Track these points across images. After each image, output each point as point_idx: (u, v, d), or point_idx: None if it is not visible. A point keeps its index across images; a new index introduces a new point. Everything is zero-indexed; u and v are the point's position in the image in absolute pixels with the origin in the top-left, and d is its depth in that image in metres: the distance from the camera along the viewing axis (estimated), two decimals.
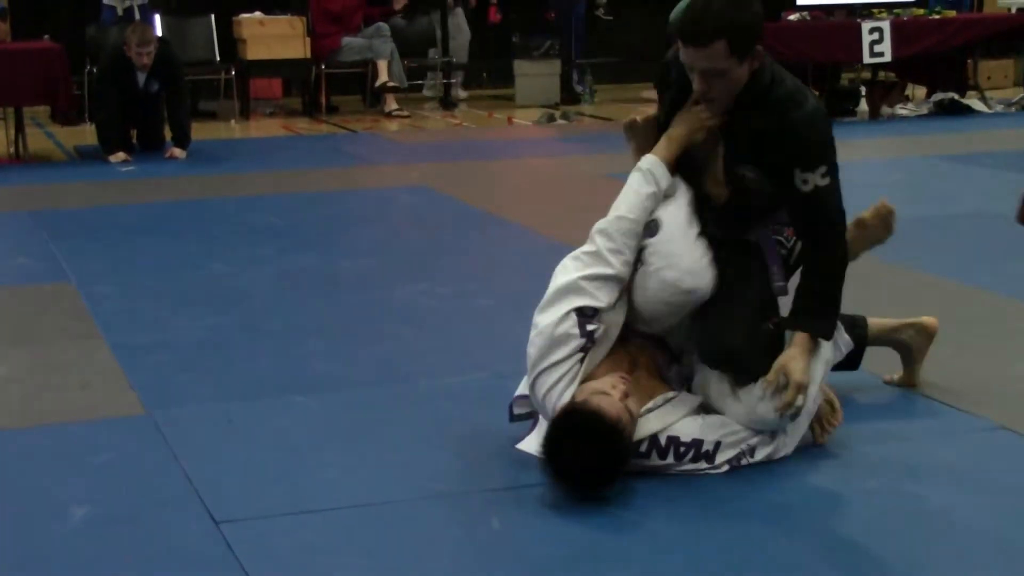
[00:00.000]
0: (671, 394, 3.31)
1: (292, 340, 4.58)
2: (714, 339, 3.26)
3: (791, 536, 2.97)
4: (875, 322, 3.88)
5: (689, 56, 3.10)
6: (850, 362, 3.80)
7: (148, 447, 3.56)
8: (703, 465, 3.24)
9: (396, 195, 7.84)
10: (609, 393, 3.13)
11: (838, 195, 3.26)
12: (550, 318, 3.21)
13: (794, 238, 3.42)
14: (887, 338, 3.91)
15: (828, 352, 3.37)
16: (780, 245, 3.44)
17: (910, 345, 3.93)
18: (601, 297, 3.21)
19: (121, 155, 8.87)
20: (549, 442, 3.09)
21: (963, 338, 4.47)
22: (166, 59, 9.01)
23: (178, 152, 9.07)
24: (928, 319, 3.95)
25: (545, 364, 3.19)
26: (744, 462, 3.28)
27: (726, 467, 3.26)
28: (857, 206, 7.00)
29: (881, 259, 5.69)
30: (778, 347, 3.26)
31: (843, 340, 3.47)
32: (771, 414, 3.22)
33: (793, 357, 3.20)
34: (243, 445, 3.56)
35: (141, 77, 8.96)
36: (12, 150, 9.27)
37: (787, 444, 3.35)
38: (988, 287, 5.10)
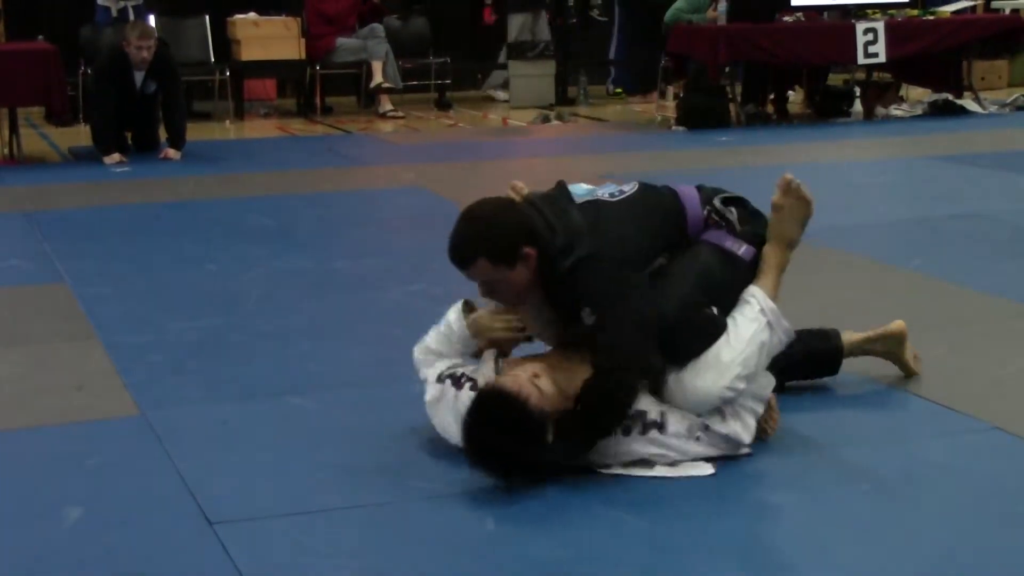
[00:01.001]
0: None
1: (286, 341, 4.58)
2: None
3: (787, 537, 2.98)
4: (846, 337, 3.94)
5: (464, 274, 3.36)
6: (830, 367, 3.92)
7: (142, 448, 3.55)
8: (658, 436, 3.24)
9: (391, 196, 7.84)
10: (517, 375, 3.24)
11: (620, 330, 3.24)
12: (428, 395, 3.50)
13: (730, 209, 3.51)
14: (862, 349, 3.96)
15: (763, 335, 3.36)
16: (723, 225, 3.49)
17: (884, 352, 3.99)
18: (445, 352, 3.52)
19: (116, 156, 8.86)
20: (461, 429, 3.22)
21: (957, 338, 4.47)
22: (164, 60, 9.01)
23: (172, 153, 9.06)
24: (894, 325, 4.00)
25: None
26: (699, 436, 3.28)
27: (692, 445, 3.27)
28: (856, 207, 7.06)
29: (875, 259, 5.71)
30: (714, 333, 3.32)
31: (783, 327, 3.43)
32: (710, 387, 3.26)
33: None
34: (237, 446, 3.56)
35: (138, 78, 8.95)
36: (6, 151, 9.26)
37: (747, 426, 3.35)
38: (983, 287, 5.10)
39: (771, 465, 3.32)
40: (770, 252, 3.50)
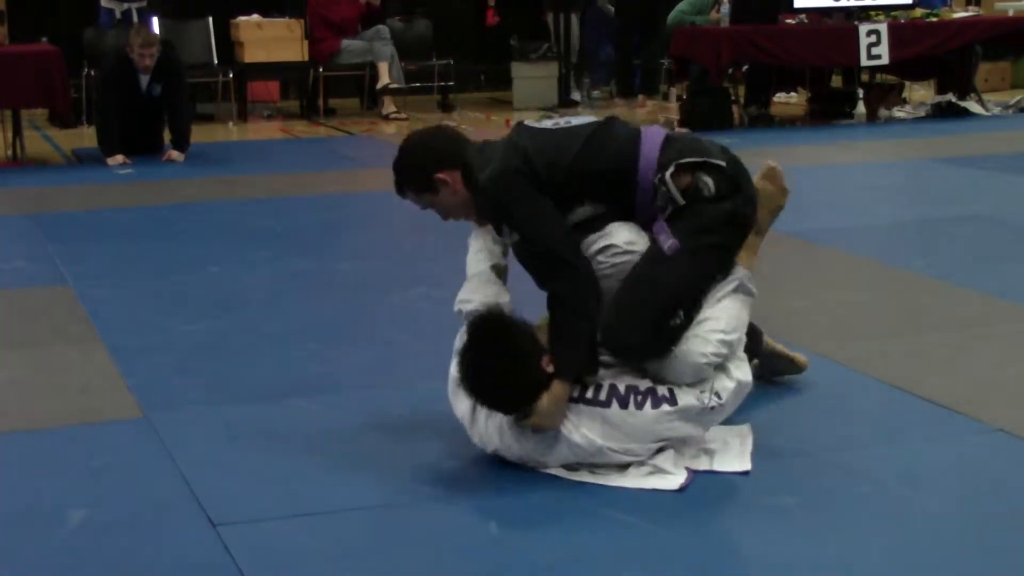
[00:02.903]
0: None
1: (289, 343, 4.58)
2: (611, 334, 3.28)
3: (788, 538, 2.98)
4: (769, 341, 3.90)
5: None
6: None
7: (145, 450, 3.56)
8: (668, 409, 3.23)
9: (393, 198, 7.81)
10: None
11: (538, 247, 3.31)
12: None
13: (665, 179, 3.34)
14: (771, 353, 3.90)
15: (737, 297, 3.39)
16: (663, 200, 3.36)
17: (790, 369, 3.94)
18: (474, 299, 3.47)
19: (120, 158, 8.86)
20: (458, 350, 3.31)
21: (960, 340, 4.47)
22: (169, 62, 9.02)
23: (176, 155, 9.07)
24: (801, 356, 3.95)
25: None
26: (711, 403, 3.28)
27: (708, 415, 3.28)
28: (859, 208, 7.06)
29: (878, 261, 5.71)
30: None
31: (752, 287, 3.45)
32: (696, 356, 3.27)
33: (541, 397, 3.23)
34: (241, 448, 3.56)
35: (144, 80, 8.96)
36: (10, 153, 9.27)
37: (744, 370, 3.38)
38: (986, 289, 5.10)
39: (772, 466, 3.32)
40: None
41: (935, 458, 3.43)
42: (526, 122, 3.52)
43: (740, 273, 3.41)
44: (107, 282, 5.52)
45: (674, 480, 3.21)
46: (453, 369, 3.36)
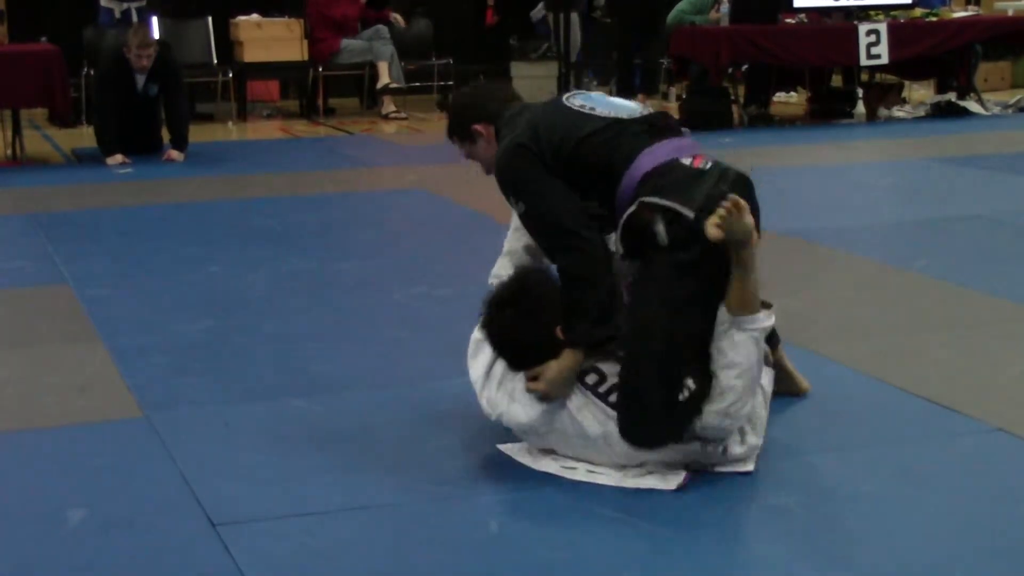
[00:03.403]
0: None
1: (289, 343, 4.58)
2: (628, 434, 3.20)
3: (788, 538, 2.98)
4: (781, 351, 3.80)
5: None
6: None
7: (145, 450, 3.55)
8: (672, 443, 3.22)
9: (393, 198, 7.84)
10: None
11: (543, 219, 3.34)
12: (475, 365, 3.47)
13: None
14: (781, 365, 3.79)
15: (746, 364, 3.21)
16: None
17: (791, 388, 3.83)
18: (506, 271, 3.54)
19: (119, 157, 8.86)
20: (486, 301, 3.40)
21: (960, 340, 4.47)
22: (165, 62, 9.02)
23: (175, 155, 9.07)
24: (804, 381, 3.86)
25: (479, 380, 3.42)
26: (715, 455, 3.24)
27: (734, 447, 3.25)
28: (859, 208, 7.06)
29: (878, 261, 5.71)
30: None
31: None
32: (714, 432, 3.20)
33: (550, 364, 3.27)
34: (240, 447, 3.56)
35: (140, 80, 8.97)
36: (9, 152, 9.26)
37: (758, 438, 3.32)
38: (986, 289, 5.10)
39: (772, 467, 3.32)
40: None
41: (935, 458, 3.43)
42: (565, 96, 3.50)
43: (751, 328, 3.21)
44: (107, 282, 5.52)
45: (672, 480, 3.21)
46: (476, 332, 3.44)
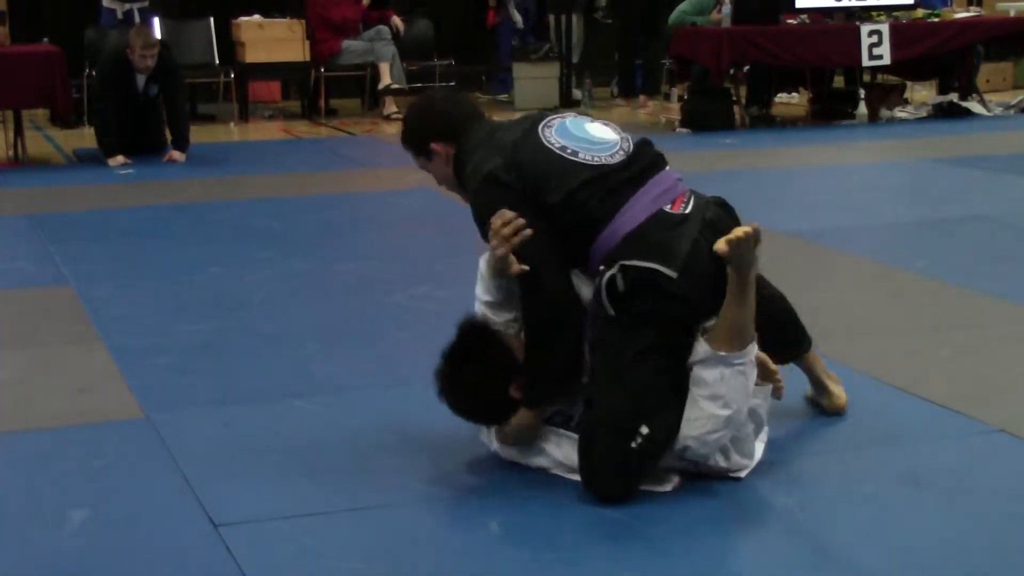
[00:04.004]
0: None
1: (291, 343, 4.58)
2: (587, 486, 3.16)
3: (789, 540, 2.98)
4: (815, 357, 3.74)
5: None
6: (776, 355, 3.52)
7: (146, 450, 3.56)
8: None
9: (395, 198, 7.84)
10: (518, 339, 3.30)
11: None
12: None
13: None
14: (812, 375, 3.75)
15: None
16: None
17: (820, 400, 3.76)
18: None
19: (120, 158, 8.86)
20: (443, 352, 3.32)
21: (961, 341, 4.47)
22: (165, 63, 9.03)
23: (177, 155, 9.08)
24: (841, 398, 3.73)
25: None
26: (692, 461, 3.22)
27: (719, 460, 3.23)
28: (860, 209, 7.05)
29: (880, 261, 5.71)
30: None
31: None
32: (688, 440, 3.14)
33: (512, 420, 3.27)
34: (242, 448, 3.56)
35: (140, 81, 8.98)
36: (11, 153, 9.27)
37: (739, 462, 3.26)
38: (987, 290, 5.09)
39: (773, 467, 3.32)
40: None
41: (935, 458, 3.43)
42: (540, 126, 3.30)
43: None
44: (108, 282, 5.52)
45: (667, 483, 3.20)
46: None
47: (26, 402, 4.02)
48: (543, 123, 3.33)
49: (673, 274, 3.07)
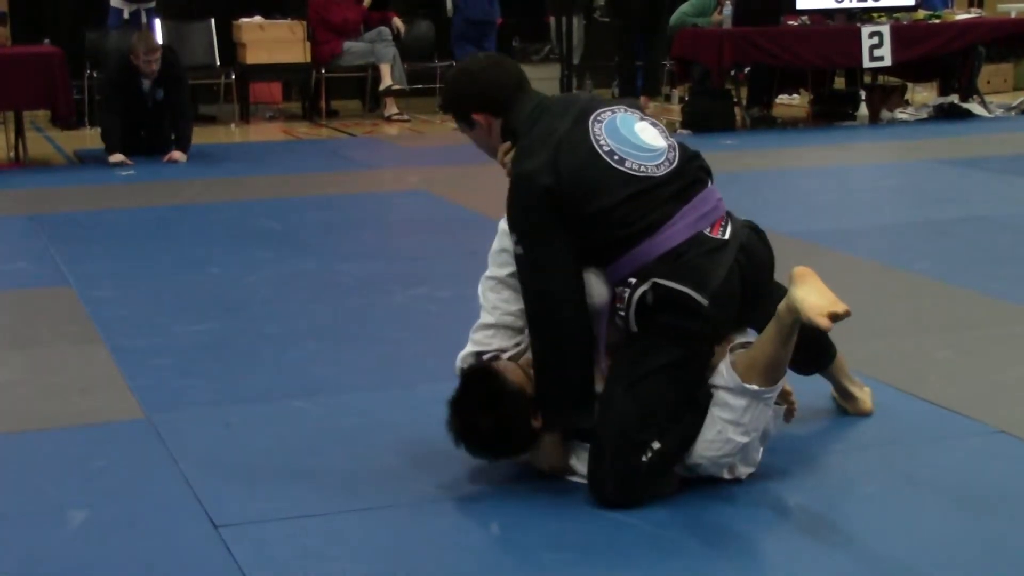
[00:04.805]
0: None
1: (291, 344, 4.58)
2: (593, 493, 3.15)
3: (789, 540, 2.98)
4: (839, 364, 3.73)
5: None
6: (802, 367, 3.60)
7: (147, 451, 3.56)
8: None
9: (395, 199, 7.85)
10: (523, 367, 3.24)
11: (534, 276, 3.15)
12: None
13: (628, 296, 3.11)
14: (836, 382, 3.76)
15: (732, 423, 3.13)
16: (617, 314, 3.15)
17: (845, 404, 3.77)
18: (493, 344, 3.30)
19: (119, 156, 8.88)
20: (450, 403, 3.23)
21: (961, 342, 4.47)
22: (171, 66, 9.07)
23: (178, 155, 9.09)
24: (866, 403, 3.74)
25: None
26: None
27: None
28: (861, 210, 7.05)
29: (880, 262, 5.71)
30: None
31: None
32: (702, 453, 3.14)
33: (540, 447, 3.24)
34: (242, 449, 3.56)
35: (146, 85, 9.00)
36: (12, 154, 9.28)
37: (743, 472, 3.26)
38: (987, 291, 5.09)
39: (774, 468, 3.32)
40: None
41: (935, 460, 3.43)
42: (591, 118, 3.20)
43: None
44: (108, 283, 5.53)
45: (665, 484, 3.20)
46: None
47: (26, 402, 4.02)
48: (594, 115, 3.23)
49: (704, 301, 3.03)
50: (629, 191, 3.11)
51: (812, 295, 3.06)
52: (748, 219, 3.29)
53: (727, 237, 3.14)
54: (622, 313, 3.11)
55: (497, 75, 3.32)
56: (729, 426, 3.10)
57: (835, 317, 3.03)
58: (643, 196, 3.11)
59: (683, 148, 3.29)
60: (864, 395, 3.74)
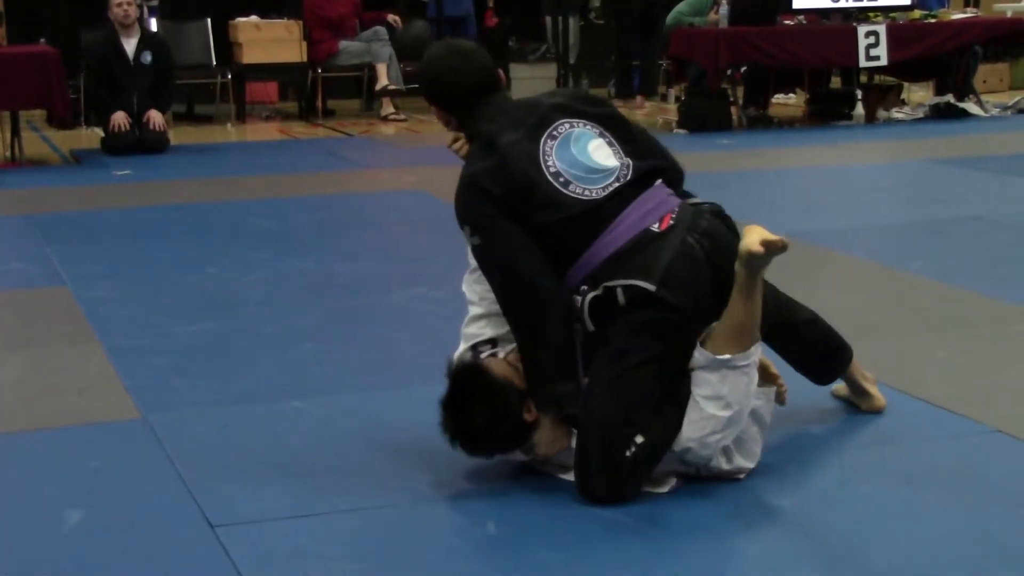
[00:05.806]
0: None
1: (287, 344, 4.58)
2: (580, 490, 3.15)
3: (788, 540, 2.97)
4: (856, 365, 3.73)
5: None
6: (821, 377, 3.70)
7: (144, 451, 3.55)
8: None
9: (392, 199, 7.84)
10: (511, 363, 3.25)
11: (492, 254, 3.21)
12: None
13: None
14: (851, 381, 3.75)
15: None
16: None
17: (858, 402, 3.77)
18: (487, 332, 3.34)
19: (121, 114, 9.01)
20: (441, 403, 3.23)
21: (959, 342, 4.47)
22: (154, 36, 9.55)
23: (154, 114, 9.19)
24: (880, 400, 3.74)
25: None
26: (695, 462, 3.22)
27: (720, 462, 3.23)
28: (857, 210, 7.06)
29: (877, 262, 5.71)
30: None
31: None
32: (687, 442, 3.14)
33: (538, 434, 3.23)
34: (239, 449, 3.55)
35: (131, 48, 9.12)
36: (8, 154, 9.27)
37: (742, 463, 3.25)
38: (984, 291, 5.10)
39: (772, 467, 3.32)
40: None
41: (934, 459, 3.43)
42: (543, 137, 3.24)
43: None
44: (105, 283, 5.52)
45: (664, 484, 3.20)
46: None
47: (23, 403, 4.02)
48: (550, 129, 3.26)
49: (652, 287, 3.06)
50: (568, 213, 3.16)
51: (751, 235, 3.07)
52: (712, 203, 3.30)
53: (674, 224, 3.16)
54: (579, 320, 3.16)
55: (460, 77, 3.36)
56: (708, 402, 3.10)
57: (769, 244, 3.02)
58: (581, 217, 3.16)
59: (639, 166, 3.27)
60: (878, 393, 3.74)
